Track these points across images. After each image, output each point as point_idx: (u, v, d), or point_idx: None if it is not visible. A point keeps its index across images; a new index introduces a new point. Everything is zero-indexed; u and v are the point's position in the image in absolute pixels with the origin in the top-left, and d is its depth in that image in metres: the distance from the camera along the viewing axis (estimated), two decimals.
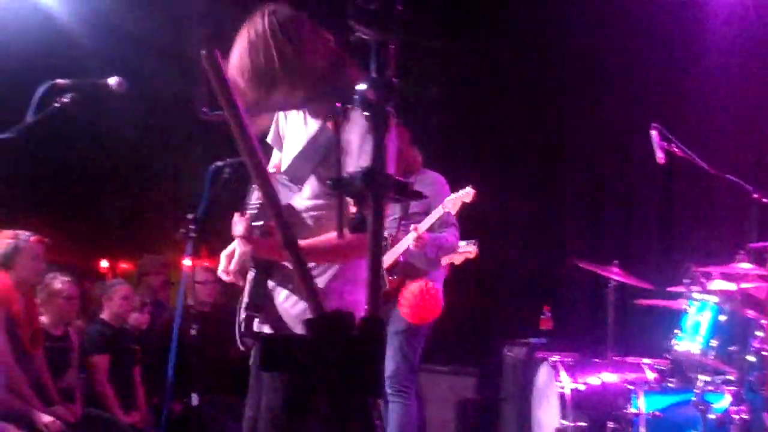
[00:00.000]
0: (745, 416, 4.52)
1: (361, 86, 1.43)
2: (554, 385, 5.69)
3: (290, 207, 2.87)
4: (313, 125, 2.94)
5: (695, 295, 5.08)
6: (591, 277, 6.36)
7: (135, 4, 7.64)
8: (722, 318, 4.92)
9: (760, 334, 4.65)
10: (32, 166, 8.69)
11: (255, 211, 2.94)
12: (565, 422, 5.53)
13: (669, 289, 5.42)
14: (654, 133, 5.20)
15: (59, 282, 5.83)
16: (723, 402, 4.71)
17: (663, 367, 5.51)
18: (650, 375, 5.52)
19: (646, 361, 5.67)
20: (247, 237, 2.82)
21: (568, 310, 7.66)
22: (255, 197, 2.99)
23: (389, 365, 5.37)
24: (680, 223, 7.33)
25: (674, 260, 6.53)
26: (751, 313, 4.75)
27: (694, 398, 4.75)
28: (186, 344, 5.79)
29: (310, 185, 2.89)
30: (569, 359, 5.90)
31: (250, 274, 2.99)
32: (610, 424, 5.28)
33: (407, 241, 5.37)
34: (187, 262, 5.72)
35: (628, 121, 7.46)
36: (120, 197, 10.91)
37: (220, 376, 6.74)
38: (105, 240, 11.74)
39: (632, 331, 6.68)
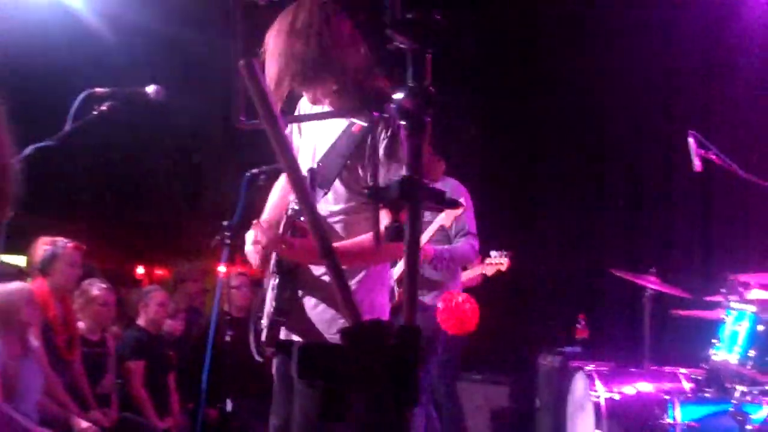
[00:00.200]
0: None
1: (398, 95, 1.44)
2: (589, 395, 5.65)
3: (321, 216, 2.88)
4: (337, 127, 2.95)
5: (733, 304, 5.02)
6: (627, 286, 6.30)
7: (173, 14, 7.70)
8: (760, 328, 4.85)
9: None
10: (71, 173, 8.78)
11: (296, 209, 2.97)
12: None
13: (706, 298, 5.36)
14: (691, 140, 5.15)
15: (96, 288, 5.88)
16: (761, 413, 4.64)
17: (700, 377, 5.44)
18: (687, 385, 5.46)
19: (682, 370, 5.61)
20: (282, 240, 2.83)
21: (604, 318, 7.61)
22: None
23: None
24: (718, 231, 7.25)
25: (712, 269, 6.47)
26: None
27: (731, 409, 4.69)
28: (221, 350, 5.82)
29: (335, 190, 2.90)
30: (604, 368, 5.85)
31: (273, 280, 3.00)
32: None
33: None
34: (222, 268, 5.76)
35: (666, 129, 7.41)
36: (156, 204, 10.99)
37: (255, 381, 6.76)
38: (141, 246, 11.83)
39: (669, 340, 6.62)
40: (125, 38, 7.81)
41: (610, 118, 8.18)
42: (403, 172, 2.66)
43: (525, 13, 8.36)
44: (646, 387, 5.59)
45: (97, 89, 3.61)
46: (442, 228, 5.51)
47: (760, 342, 4.84)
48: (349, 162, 2.85)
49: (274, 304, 2.97)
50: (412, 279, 1.45)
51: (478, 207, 5.79)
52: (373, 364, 1.37)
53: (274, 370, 3.13)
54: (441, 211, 5.47)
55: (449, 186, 5.76)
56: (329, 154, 2.91)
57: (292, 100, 3.04)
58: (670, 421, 4.99)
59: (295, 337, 2.95)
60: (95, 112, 3.61)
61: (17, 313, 4.83)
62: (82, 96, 3.57)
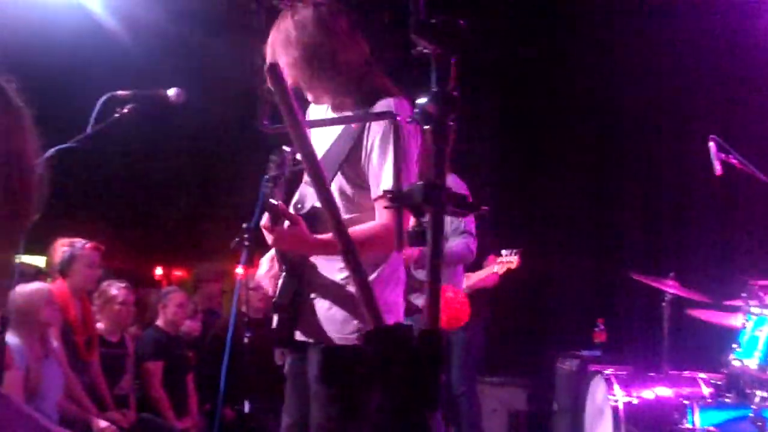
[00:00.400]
0: None
1: (422, 100, 1.44)
2: (608, 399, 5.63)
3: (319, 210, 2.89)
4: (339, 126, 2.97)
5: (753, 309, 4.99)
6: (646, 290, 6.27)
7: (191, 17, 7.73)
8: None
9: None
10: (90, 174, 8.83)
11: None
12: None
13: (726, 303, 5.34)
14: (712, 144, 5.12)
15: (115, 288, 5.91)
16: None
17: (719, 382, 5.41)
18: (706, 390, 5.43)
19: (702, 375, 5.58)
20: (269, 228, 2.82)
21: (623, 322, 7.58)
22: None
23: None
24: (738, 236, 7.21)
25: (732, 274, 6.43)
26: None
27: (751, 414, 4.66)
28: (239, 351, 5.84)
29: (337, 185, 2.91)
30: (623, 372, 5.83)
31: (281, 278, 3.01)
32: None
33: None
34: (240, 270, 5.77)
35: (685, 132, 7.38)
36: (175, 205, 11.02)
37: (272, 383, 6.77)
38: (160, 247, 11.87)
39: (688, 345, 6.58)
40: (145, 41, 7.84)
41: (629, 120, 8.15)
42: (390, 168, 2.70)
43: (542, 14, 8.35)
44: (665, 391, 5.57)
45: (119, 92, 3.63)
46: None
47: None
48: (349, 156, 2.85)
49: (277, 299, 3.00)
50: (434, 283, 1.45)
51: (496, 209, 5.79)
52: (395, 368, 1.36)
53: (285, 370, 3.14)
54: (464, 215, 5.47)
55: (450, 181, 5.75)
56: (331, 150, 2.93)
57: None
58: (689, 426, 4.96)
59: (308, 339, 2.95)
60: (117, 115, 3.63)
61: (37, 314, 4.86)
62: (103, 98, 3.60)
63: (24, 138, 1.03)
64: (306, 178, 3.04)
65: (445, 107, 1.42)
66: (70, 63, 7.43)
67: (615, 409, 5.53)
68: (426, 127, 1.44)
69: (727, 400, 5.24)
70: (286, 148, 2.78)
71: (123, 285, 5.96)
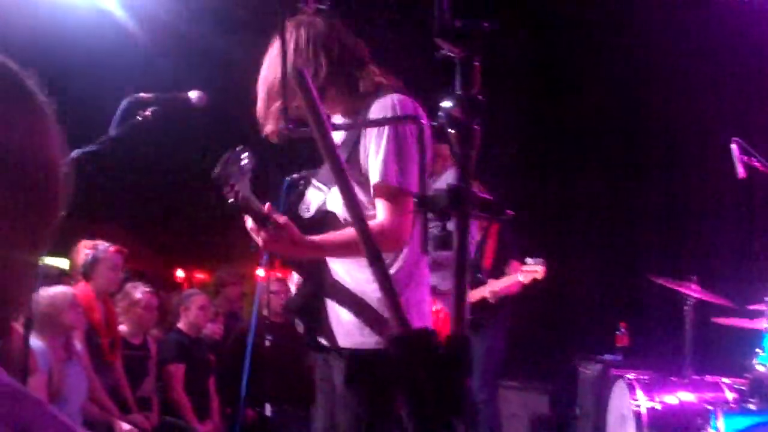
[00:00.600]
0: None
1: (447, 103, 1.43)
2: (630, 404, 5.59)
3: (332, 213, 2.89)
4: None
5: None
6: (669, 294, 6.24)
7: (213, 19, 7.76)
8: None
9: None
10: (112, 177, 8.87)
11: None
12: None
13: (749, 307, 5.30)
14: (734, 146, 5.08)
15: (138, 291, 5.93)
16: None
17: (743, 387, 5.37)
18: (730, 395, 5.39)
19: (725, 380, 5.53)
20: (256, 231, 2.82)
21: (645, 326, 7.54)
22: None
23: None
24: (761, 239, 7.17)
25: (754, 277, 6.38)
26: None
27: None
28: (260, 354, 5.84)
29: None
30: (645, 377, 5.80)
31: (297, 281, 3.02)
32: None
33: None
34: (260, 272, 5.78)
35: (708, 135, 7.34)
36: (195, 209, 11.06)
37: (294, 386, 6.78)
38: (181, 250, 11.92)
39: (711, 349, 6.54)
40: (166, 43, 7.87)
41: (651, 123, 8.12)
42: (381, 163, 2.69)
43: (565, 19, 8.33)
44: (688, 397, 5.53)
45: (141, 94, 3.64)
46: None
47: None
48: (350, 157, 2.85)
49: (293, 304, 3.02)
50: (459, 288, 1.44)
51: (516, 213, 5.75)
52: (420, 373, 1.36)
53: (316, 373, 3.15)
54: (490, 220, 5.44)
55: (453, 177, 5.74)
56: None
57: None
58: (712, 431, 4.93)
59: (329, 343, 2.95)
60: (139, 117, 3.64)
61: (60, 317, 4.89)
62: (126, 101, 3.61)
63: (48, 135, 1.03)
64: (314, 181, 3.04)
65: (470, 111, 1.42)
66: (92, 65, 7.47)
67: (637, 414, 5.50)
68: (451, 131, 1.44)
69: (751, 405, 5.20)
70: (241, 150, 2.77)
71: (147, 288, 5.98)
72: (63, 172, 1.05)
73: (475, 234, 5.65)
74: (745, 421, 4.98)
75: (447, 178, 5.64)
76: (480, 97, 1.44)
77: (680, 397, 5.55)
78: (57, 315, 4.86)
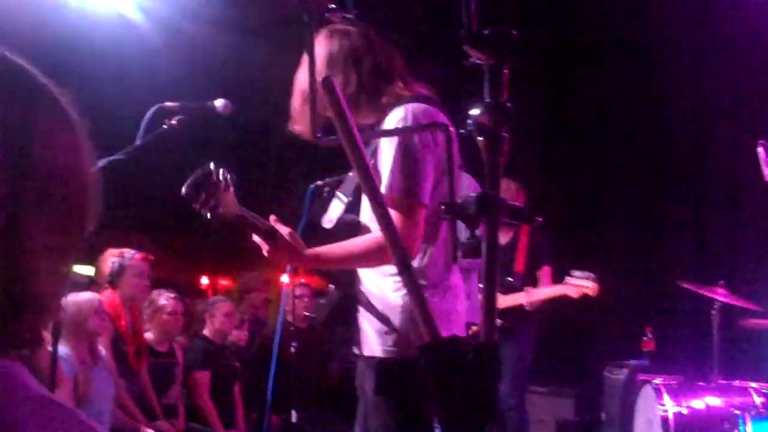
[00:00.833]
0: None
1: (475, 111, 1.44)
2: (657, 409, 5.56)
3: (359, 222, 2.90)
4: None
5: None
6: (696, 298, 6.21)
7: (233, 26, 7.80)
8: None
9: None
10: (136, 184, 8.92)
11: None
12: None
13: None
14: (761, 150, 5.05)
15: (164, 298, 5.95)
16: None
17: None
18: (758, 399, 5.34)
19: (753, 384, 5.49)
20: (261, 243, 2.86)
21: (672, 331, 7.50)
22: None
23: None
24: None
25: None
26: None
27: None
28: (285, 360, 5.85)
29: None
30: (672, 382, 5.77)
31: (333, 292, 3.03)
32: None
33: None
34: (285, 278, 5.79)
35: (734, 138, 7.30)
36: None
37: (319, 392, 6.80)
38: (206, 257, 11.95)
39: (739, 354, 6.49)
40: (188, 51, 7.92)
41: (677, 127, 8.08)
42: (387, 172, 2.69)
43: (589, 21, 8.31)
44: (715, 401, 5.49)
45: (167, 103, 3.66)
46: None
47: None
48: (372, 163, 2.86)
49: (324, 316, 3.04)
50: (489, 294, 1.44)
51: (543, 218, 5.73)
52: (451, 381, 1.36)
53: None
54: (519, 227, 5.43)
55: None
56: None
57: None
58: None
59: (359, 351, 2.96)
60: (165, 126, 3.66)
61: (86, 323, 4.92)
62: (152, 110, 3.63)
63: (82, 153, 1.05)
64: (339, 193, 3.05)
65: (499, 118, 1.42)
66: (115, 74, 7.53)
67: (665, 420, 5.47)
68: (480, 138, 1.44)
69: None
70: (215, 167, 2.78)
71: (172, 295, 6.01)
72: (94, 183, 1.07)
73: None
74: None
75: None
76: (509, 104, 1.44)
77: (708, 401, 5.51)
78: (83, 321, 4.89)
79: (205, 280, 12.49)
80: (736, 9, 7.27)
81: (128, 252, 5.67)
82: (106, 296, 5.41)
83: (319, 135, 1.62)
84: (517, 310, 5.96)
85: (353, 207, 2.96)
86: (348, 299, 2.97)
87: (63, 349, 4.70)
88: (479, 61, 1.44)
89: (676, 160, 8.15)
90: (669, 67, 7.87)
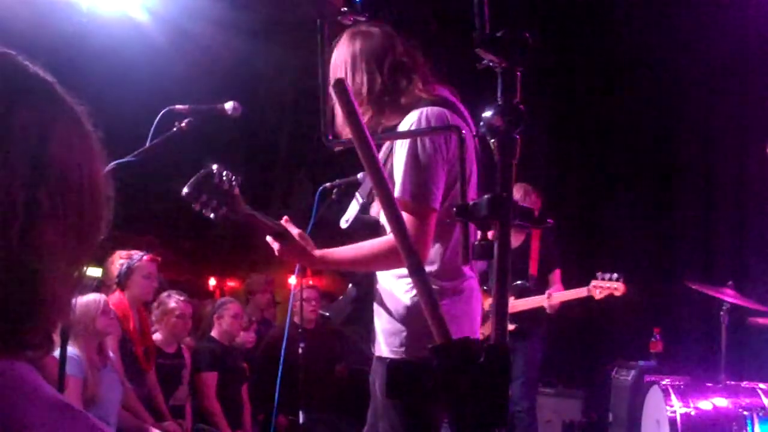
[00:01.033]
0: None
1: (488, 113, 1.44)
2: (664, 410, 5.55)
3: (378, 222, 2.91)
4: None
5: None
6: (704, 299, 6.20)
7: (242, 29, 7.81)
8: None
9: None
10: (144, 186, 8.94)
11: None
12: None
13: None
14: None
15: (173, 300, 5.95)
16: None
17: None
18: (766, 400, 5.33)
19: (761, 385, 5.48)
20: (272, 242, 2.88)
21: (680, 332, 7.49)
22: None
23: None
24: None
25: None
26: None
27: None
28: (293, 361, 5.86)
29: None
30: (680, 383, 5.76)
31: (351, 292, 3.03)
32: None
33: None
34: (293, 280, 5.80)
35: (742, 139, 7.29)
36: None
37: (326, 393, 6.80)
38: (213, 258, 11.97)
39: (747, 355, 6.49)
40: (196, 52, 7.93)
41: (686, 128, 8.08)
42: (400, 175, 2.69)
43: (598, 26, 8.31)
44: (723, 402, 5.48)
45: (177, 106, 3.66)
46: None
47: None
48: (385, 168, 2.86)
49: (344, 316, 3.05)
50: (501, 298, 1.44)
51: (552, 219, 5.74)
52: (461, 383, 1.36)
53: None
54: (530, 229, 5.42)
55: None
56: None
57: None
58: None
59: (372, 350, 2.97)
60: (175, 129, 3.66)
61: (93, 324, 4.92)
62: (162, 113, 3.63)
63: (95, 159, 1.06)
64: (358, 196, 3.06)
65: (511, 120, 1.42)
66: (124, 78, 7.54)
67: (672, 420, 5.46)
68: (492, 140, 1.44)
69: None
70: (218, 168, 2.78)
71: (181, 297, 6.01)
72: (107, 189, 1.07)
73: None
74: None
75: None
76: (521, 106, 1.44)
77: (715, 402, 5.50)
78: (91, 321, 4.89)
79: (212, 282, 12.52)
80: (744, 12, 7.26)
81: (136, 254, 5.68)
82: (115, 298, 5.42)
83: (329, 137, 1.63)
84: (528, 313, 5.96)
85: (368, 208, 2.97)
86: (366, 299, 2.97)
87: (72, 350, 4.70)
88: (492, 64, 1.44)
89: (684, 162, 8.14)
90: (677, 70, 7.87)
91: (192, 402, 6.16)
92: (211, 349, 6.35)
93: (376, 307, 2.94)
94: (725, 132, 7.66)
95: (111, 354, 5.19)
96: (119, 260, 5.60)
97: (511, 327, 5.30)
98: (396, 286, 2.85)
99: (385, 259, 2.73)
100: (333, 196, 4.50)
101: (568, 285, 6.17)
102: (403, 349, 2.81)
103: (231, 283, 12.58)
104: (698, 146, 7.97)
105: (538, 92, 7.90)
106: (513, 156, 1.42)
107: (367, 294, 2.96)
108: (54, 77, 1.05)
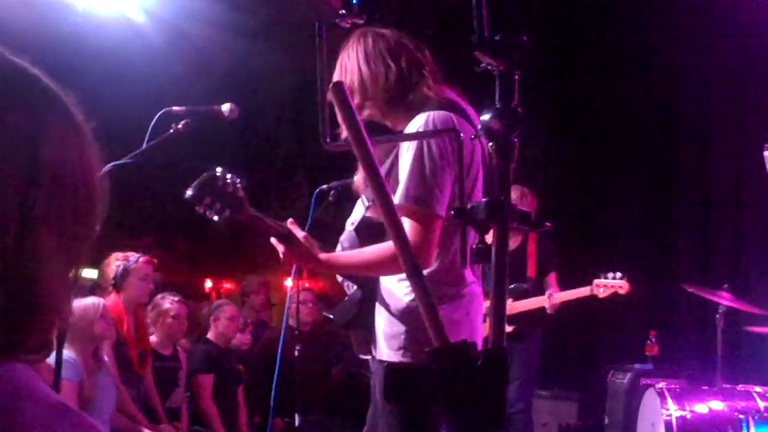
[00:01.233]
0: None
1: (486, 116, 1.43)
2: (660, 413, 5.55)
3: (383, 224, 2.90)
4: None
5: None
6: (699, 302, 6.21)
7: (241, 30, 7.80)
8: None
9: None
10: (140, 188, 8.94)
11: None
12: None
13: None
14: (767, 153, 5.04)
15: (167, 301, 5.94)
16: None
17: None
18: (761, 403, 5.33)
19: (757, 389, 5.48)
20: (277, 244, 2.87)
21: (676, 335, 7.50)
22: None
23: None
24: None
25: None
26: None
27: None
28: (289, 364, 5.85)
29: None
30: (676, 386, 5.76)
31: (356, 294, 3.03)
32: None
33: None
34: (289, 282, 5.79)
35: (740, 141, 7.30)
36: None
37: (322, 395, 6.79)
38: (210, 260, 11.97)
39: (743, 358, 6.49)
40: (193, 54, 7.92)
41: (683, 130, 8.08)
42: (405, 179, 2.69)
43: (594, 26, 8.32)
44: (718, 405, 5.47)
45: (174, 107, 3.66)
46: None
47: None
48: (389, 172, 2.85)
49: (350, 318, 3.05)
50: (499, 301, 1.44)
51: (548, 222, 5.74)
52: (459, 386, 1.36)
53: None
54: (528, 232, 5.42)
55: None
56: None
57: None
58: None
59: (373, 352, 2.97)
60: (171, 130, 3.66)
61: (91, 328, 4.91)
62: (159, 114, 3.63)
63: (91, 159, 1.06)
64: (364, 198, 3.05)
65: (509, 123, 1.42)
66: (120, 79, 7.54)
67: (668, 424, 5.46)
68: (490, 143, 1.44)
69: None
70: (222, 171, 2.77)
71: (176, 298, 5.99)
72: (102, 188, 1.07)
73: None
74: None
75: None
76: (519, 109, 1.44)
77: (711, 405, 5.50)
78: (89, 326, 4.88)
79: (208, 284, 12.52)
80: (742, 12, 7.27)
81: (132, 255, 5.66)
82: (111, 300, 5.40)
83: (327, 140, 1.62)
84: (525, 315, 5.97)
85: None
86: (371, 301, 2.97)
87: (68, 353, 4.69)
88: (490, 67, 1.44)
89: (681, 163, 8.15)
90: (674, 70, 7.87)
91: (188, 404, 6.15)
92: (207, 351, 6.35)
93: (377, 309, 2.94)
94: (723, 134, 7.67)
95: (105, 357, 5.18)
96: (115, 262, 5.58)
97: (508, 329, 5.30)
98: (396, 289, 2.85)
99: (391, 264, 2.70)
100: (330, 198, 4.50)
101: (564, 287, 6.17)
102: (402, 351, 2.81)
103: (227, 285, 12.58)
104: (695, 149, 7.97)
105: (536, 93, 7.91)
106: (511, 159, 1.42)
107: (372, 296, 2.96)
108: (50, 77, 1.05)
